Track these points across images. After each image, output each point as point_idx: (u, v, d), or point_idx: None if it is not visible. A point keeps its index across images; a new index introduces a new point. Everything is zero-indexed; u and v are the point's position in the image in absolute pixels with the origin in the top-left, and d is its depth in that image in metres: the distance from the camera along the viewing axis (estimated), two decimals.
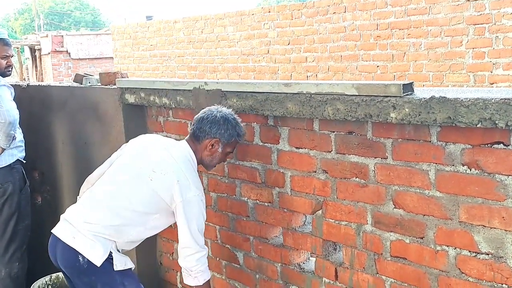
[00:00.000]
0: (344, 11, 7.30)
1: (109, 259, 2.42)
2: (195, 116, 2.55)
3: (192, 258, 2.43)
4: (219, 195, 2.88)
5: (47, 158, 4.18)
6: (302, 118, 2.29)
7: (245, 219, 2.73)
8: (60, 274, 3.56)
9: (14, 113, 3.63)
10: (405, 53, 6.68)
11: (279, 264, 2.58)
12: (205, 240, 3.00)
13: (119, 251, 2.50)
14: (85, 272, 2.42)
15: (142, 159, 2.53)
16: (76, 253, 2.40)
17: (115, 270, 2.44)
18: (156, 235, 2.89)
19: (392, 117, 1.90)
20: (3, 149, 3.68)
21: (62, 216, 2.58)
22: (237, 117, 2.50)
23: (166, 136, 3.10)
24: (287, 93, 2.29)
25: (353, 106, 2.02)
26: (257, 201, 2.64)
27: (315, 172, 2.32)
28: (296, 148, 2.39)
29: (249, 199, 2.69)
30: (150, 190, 2.42)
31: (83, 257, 2.39)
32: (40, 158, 4.21)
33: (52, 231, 2.57)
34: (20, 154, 3.86)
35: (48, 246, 2.59)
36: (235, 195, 2.77)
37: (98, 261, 2.39)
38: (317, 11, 7.62)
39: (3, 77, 3.81)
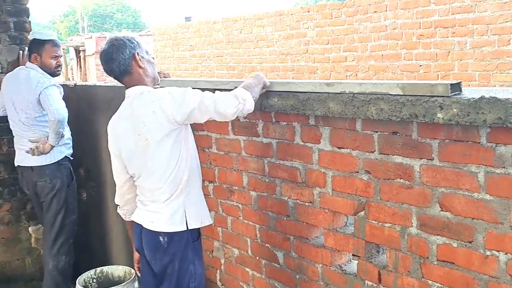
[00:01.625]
0: (385, 10, 7.19)
1: (186, 232, 2.53)
2: (104, 68, 2.60)
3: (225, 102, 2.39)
4: (259, 194, 2.88)
5: (92, 155, 4.27)
6: (344, 117, 2.27)
7: (285, 218, 2.73)
8: (105, 268, 3.65)
9: (63, 112, 3.75)
10: (449, 52, 6.53)
11: (320, 265, 2.56)
12: (244, 239, 3.04)
13: (194, 205, 2.59)
14: (166, 251, 2.55)
15: (127, 138, 2.56)
16: (156, 234, 2.54)
17: (189, 229, 2.54)
18: None
19: (439, 118, 1.86)
20: (52, 146, 3.81)
21: (137, 205, 2.72)
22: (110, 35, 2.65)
23: (207, 136, 3.13)
24: (329, 92, 2.28)
25: (397, 106, 1.99)
26: (298, 200, 2.63)
27: (358, 172, 2.29)
28: (338, 148, 2.37)
29: (289, 199, 2.68)
30: (154, 143, 2.45)
31: (163, 236, 2.52)
32: (85, 155, 4.31)
33: (132, 218, 2.73)
34: (68, 151, 3.99)
35: (133, 234, 2.75)
36: (275, 194, 2.76)
37: (178, 227, 2.52)
38: (358, 10, 7.54)
39: (53, 76, 3.95)
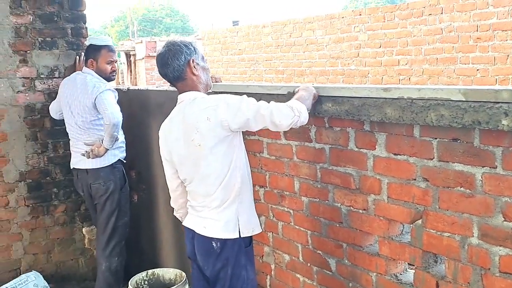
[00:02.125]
0: (441, 13, 7.03)
1: (239, 238, 2.54)
2: (159, 71, 2.62)
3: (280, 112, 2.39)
4: (311, 200, 2.85)
5: (144, 159, 4.34)
6: (401, 123, 2.21)
7: (338, 225, 2.69)
8: (156, 270, 3.69)
9: (118, 115, 3.82)
10: (508, 55, 6.31)
11: (374, 274, 2.51)
12: (295, 244, 3.01)
13: (246, 213, 2.59)
14: (219, 257, 2.55)
15: (179, 143, 2.57)
16: (209, 240, 2.55)
17: (242, 238, 2.55)
18: None
19: (503, 125, 1.79)
20: (107, 150, 3.88)
21: (189, 210, 2.73)
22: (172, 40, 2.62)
23: (258, 140, 3.12)
24: (386, 98, 2.23)
25: (459, 112, 1.93)
26: (351, 207, 2.59)
27: (415, 180, 2.23)
28: (394, 154, 2.32)
29: (342, 205, 2.64)
30: (207, 149, 2.46)
31: (216, 242, 2.53)
32: (137, 158, 4.38)
33: (184, 224, 2.75)
34: (121, 154, 4.06)
35: (185, 239, 2.77)
36: (328, 200, 2.73)
37: (231, 234, 2.53)
38: (412, 12, 7.40)
39: (108, 81, 4.03)
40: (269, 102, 2.47)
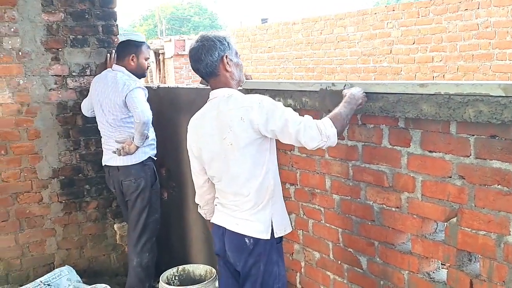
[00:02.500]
0: (477, 8, 6.89)
1: (271, 235, 2.53)
2: (191, 66, 2.58)
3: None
4: (342, 198, 2.82)
5: (173, 156, 4.35)
6: (437, 120, 2.17)
7: (370, 223, 2.65)
8: (187, 266, 3.71)
9: (148, 113, 3.84)
10: None
11: (406, 272, 2.47)
12: (326, 242, 2.99)
13: (279, 214, 2.59)
14: (251, 253, 2.54)
15: (211, 140, 2.55)
16: (241, 236, 2.53)
17: (276, 238, 2.55)
18: None
19: None
20: (137, 147, 3.91)
21: (217, 207, 2.71)
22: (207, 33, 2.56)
23: None
24: (422, 94, 2.18)
25: (498, 108, 1.88)
26: (384, 205, 2.55)
27: (450, 177, 2.19)
28: (429, 151, 2.27)
29: (374, 203, 2.61)
30: (238, 149, 2.44)
31: (249, 238, 2.52)
32: (167, 155, 4.40)
33: (212, 221, 2.73)
34: (151, 151, 4.08)
35: (213, 236, 2.75)
36: (360, 198, 2.70)
37: (265, 235, 2.51)
38: (447, 8, 7.26)
39: (141, 78, 4.06)
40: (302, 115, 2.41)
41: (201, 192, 2.80)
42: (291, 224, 2.74)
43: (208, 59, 2.50)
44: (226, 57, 2.52)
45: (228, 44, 2.55)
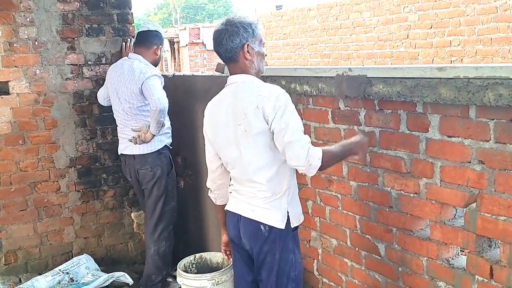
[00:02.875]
0: None
1: (287, 223, 2.53)
2: (213, 47, 2.54)
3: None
4: (359, 184, 2.80)
5: (189, 145, 4.35)
6: (456, 104, 2.13)
7: (387, 209, 2.63)
8: (204, 254, 3.72)
9: (164, 101, 3.83)
10: None
11: (425, 258, 2.45)
12: (343, 229, 2.97)
13: (294, 204, 2.59)
14: (266, 240, 2.54)
15: (226, 126, 2.55)
16: (257, 223, 2.54)
17: (292, 227, 2.54)
18: None
19: None
20: (153, 135, 3.91)
21: (231, 195, 2.71)
22: (238, 17, 2.53)
23: (306, 124, 3.07)
24: (440, 78, 2.15)
25: None
26: (402, 191, 2.53)
27: (470, 162, 2.15)
28: (448, 136, 2.24)
29: (392, 189, 2.58)
30: (251, 136, 2.44)
31: (265, 225, 2.52)
32: (183, 144, 4.40)
33: (227, 208, 2.73)
34: (167, 140, 4.09)
35: (228, 223, 2.75)
36: (377, 184, 2.67)
37: (280, 224, 2.51)
38: None
39: (156, 65, 4.06)
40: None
41: (213, 177, 2.80)
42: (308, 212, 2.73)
43: (229, 45, 2.47)
44: (247, 45, 2.48)
45: (252, 32, 2.49)
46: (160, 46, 4.08)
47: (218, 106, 2.62)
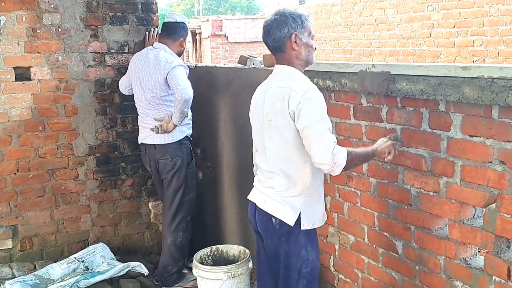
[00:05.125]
0: None
1: (299, 219, 2.53)
2: (262, 37, 2.55)
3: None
4: (379, 181, 2.80)
5: (209, 136, 4.37)
6: (479, 104, 2.12)
7: (406, 207, 2.63)
8: (220, 247, 3.73)
9: (189, 91, 3.84)
10: None
11: (443, 257, 2.44)
12: (361, 226, 2.97)
13: (310, 207, 2.57)
14: (277, 233, 2.57)
15: (258, 111, 2.61)
16: (269, 215, 2.57)
17: (302, 229, 2.54)
18: None
19: None
20: (175, 126, 3.92)
21: (254, 184, 2.75)
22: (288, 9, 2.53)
23: None
24: (464, 77, 2.13)
25: None
26: (421, 189, 2.52)
27: (491, 162, 2.14)
28: (470, 136, 2.23)
29: (412, 187, 2.58)
30: (274, 127, 2.47)
31: (275, 218, 2.54)
32: (203, 135, 4.42)
33: (248, 197, 2.77)
34: (188, 131, 4.10)
35: (249, 213, 2.79)
36: (397, 182, 2.67)
37: (290, 220, 2.52)
38: None
39: (179, 56, 4.09)
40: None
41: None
42: (323, 220, 2.70)
43: (276, 34, 2.48)
44: (295, 36, 2.48)
45: (302, 23, 2.49)
46: (186, 38, 4.11)
47: (258, 92, 2.67)
